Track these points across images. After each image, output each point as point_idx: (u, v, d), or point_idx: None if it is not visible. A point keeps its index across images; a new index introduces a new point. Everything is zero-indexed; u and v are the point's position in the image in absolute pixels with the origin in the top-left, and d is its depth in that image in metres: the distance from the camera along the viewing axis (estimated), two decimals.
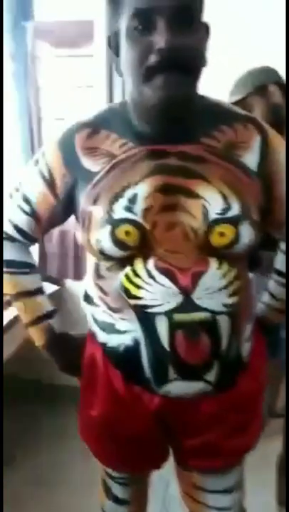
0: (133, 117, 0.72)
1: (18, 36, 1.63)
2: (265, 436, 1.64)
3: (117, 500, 0.99)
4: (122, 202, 0.67)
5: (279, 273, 0.88)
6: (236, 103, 1.12)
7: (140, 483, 0.98)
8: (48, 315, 0.84)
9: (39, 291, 0.85)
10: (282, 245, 0.88)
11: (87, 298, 0.81)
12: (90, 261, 0.79)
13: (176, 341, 0.69)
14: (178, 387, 0.72)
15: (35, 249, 1.79)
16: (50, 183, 0.76)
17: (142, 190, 0.67)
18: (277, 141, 0.76)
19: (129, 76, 0.66)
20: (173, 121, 0.68)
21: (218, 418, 0.78)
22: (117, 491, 0.98)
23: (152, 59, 0.63)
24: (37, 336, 0.84)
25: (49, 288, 1.70)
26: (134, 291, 0.69)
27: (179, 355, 0.69)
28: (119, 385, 0.77)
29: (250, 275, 0.84)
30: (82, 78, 1.64)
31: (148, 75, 0.63)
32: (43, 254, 1.79)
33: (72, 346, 0.85)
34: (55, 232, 1.73)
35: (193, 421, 0.78)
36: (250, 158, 0.72)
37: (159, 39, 0.62)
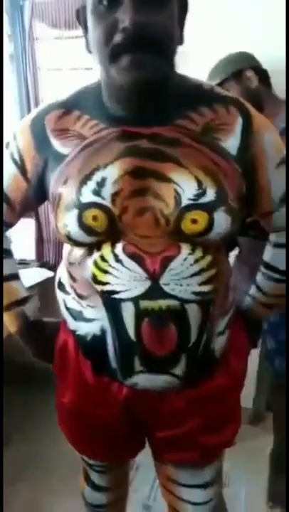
0: (105, 98, 0.69)
1: (16, 17, 1.60)
2: (266, 430, 1.66)
3: (95, 486, 0.99)
4: (91, 185, 0.64)
5: (267, 266, 0.84)
6: None
7: (118, 471, 0.98)
8: (21, 301, 0.82)
9: (13, 276, 0.83)
10: (272, 237, 0.84)
11: (60, 285, 0.79)
12: (65, 248, 0.77)
13: (142, 330, 0.66)
14: (144, 379, 0.70)
15: (31, 235, 1.79)
16: (21, 166, 0.73)
17: (111, 173, 0.64)
18: (262, 123, 0.72)
19: (97, 55, 0.63)
20: (145, 103, 0.65)
21: (189, 412, 0.76)
22: (95, 477, 0.98)
23: (117, 38, 0.59)
24: (9, 322, 0.83)
25: (45, 274, 1.69)
26: (100, 276, 0.67)
27: (145, 345, 0.67)
28: (88, 373, 0.76)
29: (231, 264, 0.80)
30: (80, 60, 1.59)
31: (114, 54, 0.60)
32: (39, 239, 1.78)
33: (45, 333, 0.83)
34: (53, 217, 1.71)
35: (162, 413, 0.77)
36: (231, 142, 0.68)
37: (124, 16, 0.58)
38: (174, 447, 0.81)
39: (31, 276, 1.63)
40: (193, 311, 0.68)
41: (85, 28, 0.66)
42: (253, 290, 0.85)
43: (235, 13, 1.33)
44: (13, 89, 1.72)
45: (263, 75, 1.24)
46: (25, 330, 0.83)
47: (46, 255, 1.81)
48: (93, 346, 0.72)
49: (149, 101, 0.65)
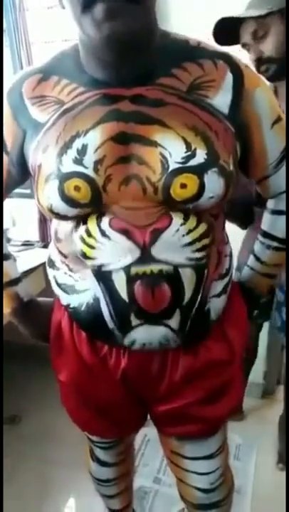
0: (82, 59, 0.64)
1: None
2: (277, 403, 1.66)
3: (100, 462, 1.01)
4: (71, 153, 0.60)
5: (265, 234, 0.80)
6: (252, 19, 0.98)
7: (122, 446, 0.98)
8: (13, 282, 0.81)
9: (4, 257, 0.81)
10: (270, 204, 0.79)
11: (50, 262, 0.77)
12: (52, 226, 0.74)
13: (135, 291, 0.64)
14: (142, 333, 0.68)
15: (34, 215, 1.77)
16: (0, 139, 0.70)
17: (93, 139, 0.60)
18: (254, 80, 0.66)
19: (70, 6, 0.57)
20: (123, 60, 0.60)
21: (188, 385, 0.74)
22: (100, 453, 0.99)
23: None
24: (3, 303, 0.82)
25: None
26: (88, 252, 0.64)
27: (139, 304, 0.65)
28: (85, 351, 0.75)
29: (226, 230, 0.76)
30: (74, 31, 1.52)
31: (86, 3, 0.54)
32: (42, 220, 1.76)
33: (40, 313, 0.82)
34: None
35: (160, 387, 0.75)
36: (221, 100, 0.63)
37: None
38: (174, 421, 0.80)
39: (35, 256, 1.62)
40: (186, 274, 0.65)
41: None
42: (251, 260, 0.82)
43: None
44: (7, 64, 1.67)
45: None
46: (18, 311, 0.81)
47: (50, 236, 1.79)
48: (88, 314, 0.70)
49: (128, 57, 0.60)
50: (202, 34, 0.70)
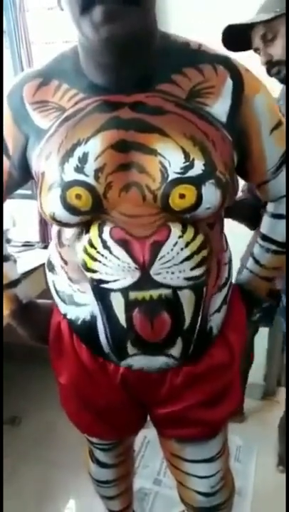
0: (82, 63, 0.64)
1: None
2: (277, 405, 1.66)
3: (100, 463, 1.01)
4: (72, 162, 0.61)
5: (264, 237, 0.80)
6: (261, 23, 0.98)
7: (121, 448, 0.98)
8: (12, 283, 0.81)
9: (4, 258, 0.81)
10: (269, 207, 0.79)
11: (50, 265, 0.77)
12: (54, 228, 0.74)
13: (134, 319, 0.64)
14: (139, 361, 0.69)
15: (35, 215, 1.77)
16: (3, 145, 0.69)
17: (93, 147, 0.60)
18: (254, 84, 0.66)
19: (68, 9, 0.57)
20: (123, 64, 0.60)
21: (187, 388, 0.74)
22: (99, 455, 0.99)
23: None
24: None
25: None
26: (90, 263, 0.64)
27: (137, 332, 0.65)
28: (84, 354, 0.75)
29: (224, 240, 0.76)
30: (74, 32, 1.52)
31: (85, 6, 0.54)
32: (43, 221, 1.76)
33: (39, 315, 0.82)
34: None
35: (161, 391, 0.75)
36: (220, 107, 0.63)
37: None
38: (175, 423, 0.80)
39: (36, 257, 1.62)
40: (186, 296, 0.65)
41: None
42: (250, 263, 0.82)
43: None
44: (7, 65, 1.67)
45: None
46: (17, 313, 0.81)
47: (50, 237, 1.79)
48: (84, 331, 0.71)
49: (127, 59, 0.59)
50: (202, 36, 0.69)
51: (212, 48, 0.67)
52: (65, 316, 0.74)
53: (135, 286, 0.63)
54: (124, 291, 0.63)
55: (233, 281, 0.80)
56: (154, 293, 0.63)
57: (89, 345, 0.73)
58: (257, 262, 0.81)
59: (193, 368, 0.73)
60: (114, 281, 0.63)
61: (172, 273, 0.63)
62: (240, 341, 0.78)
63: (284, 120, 0.70)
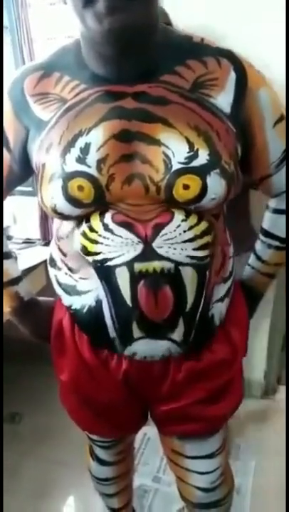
0: (84, 54, 0.64)
1: None
2: (277, 403, 1.65)
3: (100, 461, 1.00)
4: (74, 152, 0.60)
5: (266, 233, 0.79)
6: None
7: (122, 445, 0.98)
8: (14, 281, 0.80)
9: (4, 255, 0.80)
10: (271, 203, 0.79)
11: (52, 261, 0.76)
12: (54, 223, 0.74)
13: (138, 294, 0.64)
14: (143, 346, 0.68)
15: (36, 212, 1.77)
16: (4, 138, 0.69)
17: (96, 138, 0.60)
18: (258, 79, 0.66)
19: (71, 1, 0.57)
20: (125, 55, 0.59)
21: (190, 384, 0.74)
22: (100, 452, 0.99)
23: None
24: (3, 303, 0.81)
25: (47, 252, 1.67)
26: (90, 247, 0.64)
27: (142, 310, 0.64)
28: (86, 350, 0.74)
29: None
30: (76, 27, 1.52)
31: None
32: (43, 218, 1.76)
33: (40, 312, 0.82)
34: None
35: (162, 387, 0.75)
36: (223, 99, 0.63)
37: None
38: (176, 420, 0.79)
39: (36, 254, 1.62)
40: (188, 274, 0.64)
41: None
42: (252, 259, 0.82)
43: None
44: (9, 61, 1.66)
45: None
46: (19, 310, 0.81)
47: (51, 234, 1.78)
48: (90, 318, 0.70)
49: (131, 52, 0.59)
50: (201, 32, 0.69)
51: (214, 42, 0.66)
52: (69, 307, 0.73)
53: (139, 257, 0.62)
54: (129, 264, 0.63)
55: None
56: (157, 265, 0.62)
57: (94, 334, 0.72)
58: (259, 258, 0.80)
59: (195, 363, 0.72)
60: (119, 256, 0.63)
61: (174, 249, 0.62)
62: (242, 337, 0.78)
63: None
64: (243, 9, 1.22)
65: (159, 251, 0.62)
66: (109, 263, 0.63)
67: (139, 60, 0.61)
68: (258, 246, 0.81)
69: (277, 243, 0.78)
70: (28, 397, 1.77)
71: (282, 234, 0.77)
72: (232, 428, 1.46)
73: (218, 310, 0.72)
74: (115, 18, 0.54)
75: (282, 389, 1.77)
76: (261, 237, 0.80)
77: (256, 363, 1.62)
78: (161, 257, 0.62)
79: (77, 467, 1.21)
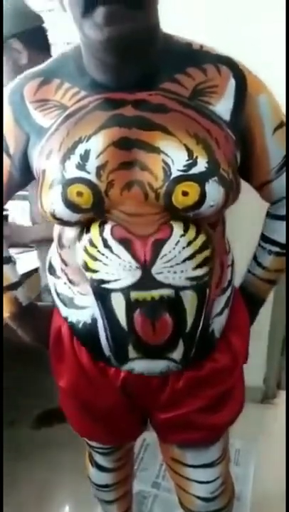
0: (85, 62, 0.64)
1: None
2: (277, 408, 1.65)
3: (99, 467, 1.00)
4: (74, 159, 0.60)
5: (266, 239, 0.79)
6: None
7: (121, 452, 0.97)
8: (13, 286, 0.80)
9: (4, 260, 0.80)
10: (271, 209, 0.79)
11: (51, 268, 0.76)
12: (56, 229, 0.74)
13: (135, 321, 0.64)
14: (141, 365, 0.68)
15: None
16: (4, 144, 0.69)
17: (95, 144, 0.60)
18: (258, 85, 0.66)
19: (71, 10, 0.57)
20: (124, 64, 0.60)
21: (190, 392, 0.74)
22: (99, 459, 0.98)
23: None
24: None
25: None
26: (90, 263, 0.64)
27: (138, 335, 0.64)
28: (84, 357, 0.74)
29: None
30: (76, 34, 1.52)
31: (87, 7, 0.54)
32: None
33: (39, 318, 0.81)
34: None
35: (162, 395, 0.74)
36: (223, 106, 0.63)
37: None
38: (176, 428, 0.79)
39: (35, 259, 1.61)
40: (188, 298, 0.64)
41: None
42: (252, 265, 0.81)
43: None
44: None
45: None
46: (17, 315, 0.81)
47: None
48: (85, 334, 0.70)
49: (130, 60, 0.59)
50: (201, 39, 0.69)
51: (213, 49, 0.67)
52: (66, 319, 0.73)
53: (136, 285, 0.62)
54: (126, 291, 0.62)
55: (236, 285, 0.80)
56: (156, 293, 0.62)
57: (90, 349, 0.72)
58: (259, 264, 0.80)
59: (195, 372, 0.72)
60: (115, 280, 0.62)
61: (174, 272, 0.62)
62: (242, 344, 0.77)
63: None
64: (243, 9, 1.23)
65: (158, 277, 0.62)
66: (105, 285, 0.63)
67: (139, 67, 0.61)
68: (258, 252, 0.80)
69: (277, 249, 0.78)
70: (25, 402, 1.76)
71: (282, 240, 0.77)
72: (232, 433, 1.45)
73: (218, 323, 0.72)
74: (114, 27, 0.54)
75: (282, 394, 1.77)
76: (261, 242, 0.80)
77: (256, 367, 1.62)
78: (160, 285, 0.62)
79: (76, 473, 1.20)
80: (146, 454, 1.52)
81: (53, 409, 1.56)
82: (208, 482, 0.85)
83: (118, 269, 0.62)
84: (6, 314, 0.81)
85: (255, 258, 0.81)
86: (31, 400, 1.76)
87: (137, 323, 0.63)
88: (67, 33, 1.52)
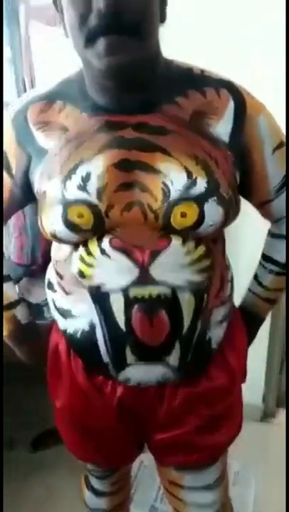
0: (87, 85, 0.66)
1: (12, 17, 1.59)
2: (276, 427, 1.62)
3: (95, 491, 0.98)
4: (75, 180, 0.62)
5: (266, 258, 0.80)
6: None
7: (117, 476, 0.96)
8: (12, 304, 0.80)
9: (4, 278, 0.81)
10: (271, 228, 0.81)
11: (49, 284, 0.77)
12: (53, 246, 0.75)
13: (133, 318, 0.63)
14: (137, 372, 0.67)
15: None
16: (6, 163, 0.71)
17: (96, 166, 0.62)
18: (257, 107, 0.68)
19: (72, 39, 0.60)
20: (125, 90, 0.62)
21: (187, 412, 0.73)
22: (95, 482, 0.97)
23: (92, 20, 0.55)
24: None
25: None
26: (87, 271, 0.64)
27: (136, 334, 0.64)
28: (81, 376, 0.74)
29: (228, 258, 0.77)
30: (76, 57, 1.57)
31: (89, 37, 0.56)
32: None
33: (37, 336, 0.82)
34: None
35: (159, 414, 0.74)
36: (222, 128, 0.65)
37: None
38: (173, 450, 0.78)
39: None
40: (185, 298, 0.64)
41: (62, 12, 0.62)
42: (252, 284, 0.82)
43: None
44: (11, 91, 1.71)
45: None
46: (16, 334, 0.81)
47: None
48: (83, 343, 0.70)
49: (131, 87, 0.62)
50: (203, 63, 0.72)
51: (214, 73, 0.69)
52: (64, 332, 0.73)
53: (134, 283, 0.62)
54: (124, 290, 0.63)
55: (236, 304, 0.81)
56: (153, 290, 0.62)
57: (88, 359, 0.72)
58: (259, 283, 0.81)
59: (191, 388, 0.72)
60: (113, 282, 0.63)
61: (172, 273, 0.62)
62: (240, 363, 0.77)
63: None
64: (243, 10, 1.24)
65: (156, 275, 0.62)
66: (104, 288, 0.64)
67: (139, 92, 0.63)
68: (258, 270, 0.81)
69: (277, 269, 0.78)
70: (23, 422, 1.74)
71: (282, 259, 0.78)
72: (230, 453, 1.43)
73: (216, 333, 0.72)
74: (114, 57, 0.56)
75: (282, 412, 1.75)
76: (261, 261, 0.81)
77: (255, 385, 1.60)
78: (157, 282, 0.62)
79: (73, 496, 1.17)
80: (143, 477, 1.48)
81: (50, 429, 1.54)
82: (206, 506, 0.83)
83: (116, 271, 0.62)
84: (4, 333, 0.81)
85: (255, 277, 0.82)
86: (29, 420, 1.73)
87: (135, 321, 0.63)
88: (69, 56, 1.57)
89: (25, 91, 1.68)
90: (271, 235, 0.80)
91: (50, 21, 1.59)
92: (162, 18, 0.62)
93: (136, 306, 0.63)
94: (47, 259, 0.78)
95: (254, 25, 1.24)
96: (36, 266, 1.26)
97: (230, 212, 0.64)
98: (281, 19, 1.18)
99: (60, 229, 0.63)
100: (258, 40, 1.24)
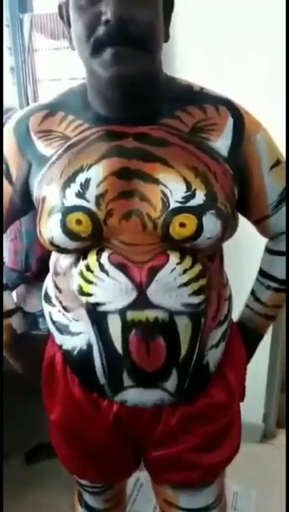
0: (90, 97, 0.67)
1: (16, 30, 1.62)
2: (277, 447, 1.58)
3: (88, 508, 0.94)
4: (74, 187, 0.61)
5: (264, 274, 0.79)
6: None
7: (112, 492, 0.92)
8: (7, 314, 0.79)
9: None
10: (268, 244, 0.80)
11: (46, 297, 0.76)
12: (52, 257, 0.74)
13: (130, 344, 0.63)
14: (134, 395, 0.66)
15: None
16: (6, 171, 0.71)
17: (96, 174, 0.61)
18: (255, 124, 0.69)
19: (79, 50, 0.61)
20: (129, 100, 0.62)
21: (185, 429, 0.71)
22: (88, 499, 0.93)
23: (99, 31, 0.57)
24: None
25: None
26: (85, 287, 0.63)
27: (133, 359, 0.63)
28: (76, 389, 0.72)
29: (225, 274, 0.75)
30: (80, 70, 1.59)
31: (96, 48, 0.58)
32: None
33: (33, 347, 0.80)
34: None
35: (156, 431, 0.72)
36: (221, 143, 0.65)
37: (107, 9, 0.56)
38: (170, 467, 0.76)
39: None
40: (183, 323, 0.64)
41: (68, 25, 0.64)
42: (250, 300, 0.81)
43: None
44: (14, 102, 1.73)
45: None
46: (11, 343, 0.79)
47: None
48: (80, 361, 0.69)
49: (134, 98, 0.62)
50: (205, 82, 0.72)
51: (212, 91, 0.70)
52: (60, 347, 0.72)
53: (132, 306, 0.62)
54: (122, 312, 0.62)
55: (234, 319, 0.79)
56: (151, 315, 0.62)
57: (84, 377, 0.70)
58: (257, 299, 0.79)
59: (189, 407, 0.70)
60: (111, 302, 0.62)
61: (169, 296, 0.62)
62: (239, 381, 0.75)
63: (283, 159, 0.72)
64: (243, 10, 1.25)
65: (153, 299, 0.62)
66: (101, 308, 0.63)
67: (142, 104, 0.64)
68: (256, 287, 0.80)
69: (275, 285, 0.77)
70: (16, 437, 1.70)
71: (281, 275, 0.77)
72: (229, 475, 1.39)
73: (213, 356, 0.71)
74: (120, 67, 0.58)
75: (282, 433, 1.71)
76: (259, 277, 0.80)
77: (254, 405, 1.57)
78: (154, 306, 0.62)
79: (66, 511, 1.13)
80: (139, 495, 1.44)
81: (44, 443, 1.50)
82: None
83: (114, 291, 0.62)
84: None
85: (253, 293, 0.81)
86: (22, 433, 1.69)
87: (132, 346, 0.63)
88: (71, 69, 1.59)
89: (27, 101, 1.70)
90: (269, 251, 0.79)
91: (53, 34, 1.62)
92: (166, 38, 0.64)
93: (133, 331, 0.62)
94: (41, 267, 0.77)
95: (254, 25, 1.25)
96: (30, 273, 1.25)
97: (228, 227, 0.64)
98: (281, 19, 1.18)
99: (58, 236, 0.62)
100: (258, 40, 1.24)
